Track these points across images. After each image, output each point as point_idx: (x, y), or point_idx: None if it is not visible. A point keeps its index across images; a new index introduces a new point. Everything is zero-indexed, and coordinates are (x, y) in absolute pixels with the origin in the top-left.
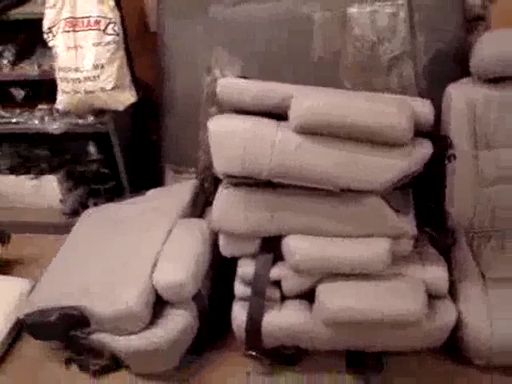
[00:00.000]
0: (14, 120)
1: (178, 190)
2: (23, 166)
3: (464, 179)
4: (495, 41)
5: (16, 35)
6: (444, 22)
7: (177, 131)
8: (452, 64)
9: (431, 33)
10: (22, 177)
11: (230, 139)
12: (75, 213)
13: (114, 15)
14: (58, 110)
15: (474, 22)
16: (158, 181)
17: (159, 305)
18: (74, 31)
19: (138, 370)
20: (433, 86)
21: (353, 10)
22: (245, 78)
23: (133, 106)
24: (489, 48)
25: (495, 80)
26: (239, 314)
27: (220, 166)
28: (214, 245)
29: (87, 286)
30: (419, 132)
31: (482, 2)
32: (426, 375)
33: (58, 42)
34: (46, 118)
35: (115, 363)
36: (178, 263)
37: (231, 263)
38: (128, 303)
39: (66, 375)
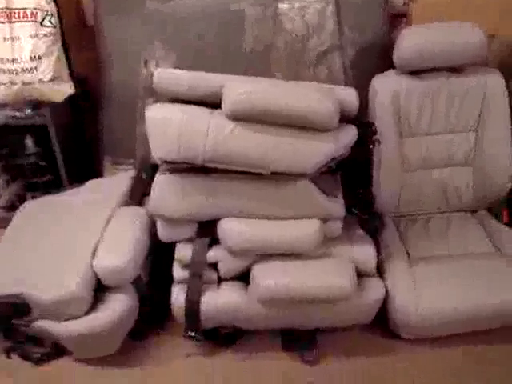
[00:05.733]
0: None
1: (116, 181)
2: None
3: (390, 165)
4: (415, 36)
5: None
6: (369, 17)
7: (114, 124)
8: (377, 57)
9: (357, 28)
10: None
11: (166, 126)
12: (12, 207)
13: (50, 7)
14: None
15: (396, 19)
16: (96, 173)
17: (100, 290)
18: (10, 22)
19: (81, 356)
20: (359, 78)
21: (283, 5)
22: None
23: (70, 98)
24: (409, 42)
25: (416, 72)
26: (178, 297)
27: (157, 152)
28: (153, 231)
29: (27, 274)
30: (345, 118)
31: (404, 0)
32: (357, 350)
33: None
34: None
35: (57, 350)
36: (118, 249)
37: (169, 249)
38: (70, 287)
39: (8, 365)
